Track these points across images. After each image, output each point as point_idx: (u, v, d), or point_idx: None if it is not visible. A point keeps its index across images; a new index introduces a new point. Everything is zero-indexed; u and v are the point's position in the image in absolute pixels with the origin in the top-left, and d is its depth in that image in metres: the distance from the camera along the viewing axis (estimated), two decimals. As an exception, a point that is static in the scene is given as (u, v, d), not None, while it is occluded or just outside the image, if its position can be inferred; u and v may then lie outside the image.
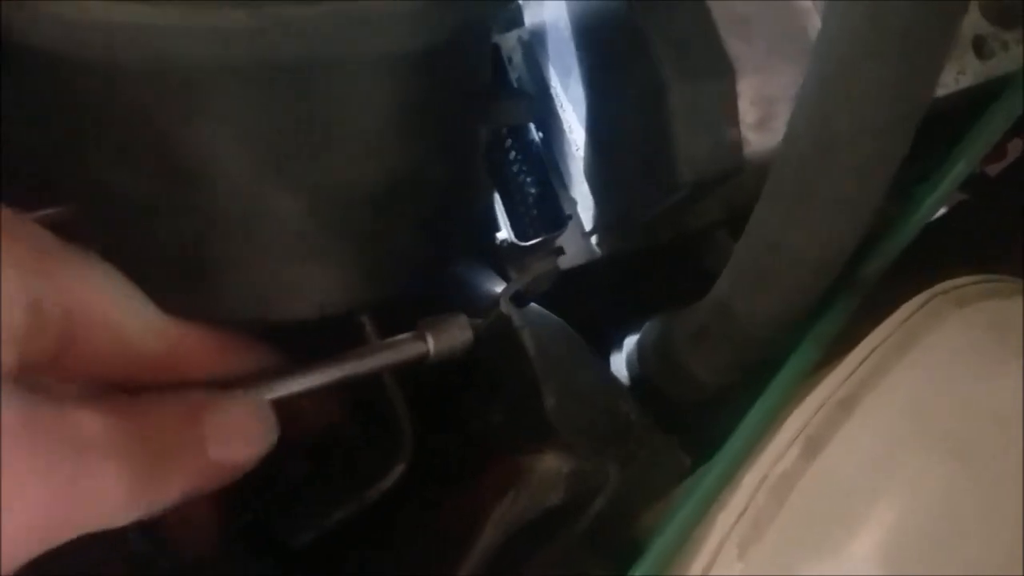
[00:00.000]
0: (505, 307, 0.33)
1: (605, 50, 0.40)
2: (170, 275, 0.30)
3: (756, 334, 0.33)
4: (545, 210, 0.49)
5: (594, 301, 0.51)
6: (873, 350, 0.28)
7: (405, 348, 0.33)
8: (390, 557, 0.40)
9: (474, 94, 0.34)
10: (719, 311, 0.34)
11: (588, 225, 0.49)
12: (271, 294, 0.30)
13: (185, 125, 0.26)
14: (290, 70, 0.25)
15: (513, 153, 0.49)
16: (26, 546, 0.23)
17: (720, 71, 0.35)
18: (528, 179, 0.49)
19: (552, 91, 0.48)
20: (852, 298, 0.31)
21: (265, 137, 0.26)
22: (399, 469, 0.35)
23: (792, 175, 0.27)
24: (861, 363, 0.28)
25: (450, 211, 0.35)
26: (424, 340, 0.33)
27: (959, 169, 0.30)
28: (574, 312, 0.49)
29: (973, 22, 0.36)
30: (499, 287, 0.42)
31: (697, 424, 0.40)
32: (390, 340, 0.33)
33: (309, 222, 0.28)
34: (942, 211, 0.38)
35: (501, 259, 0.50)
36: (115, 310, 0.28)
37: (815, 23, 0.36)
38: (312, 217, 0.28)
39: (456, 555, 0.36)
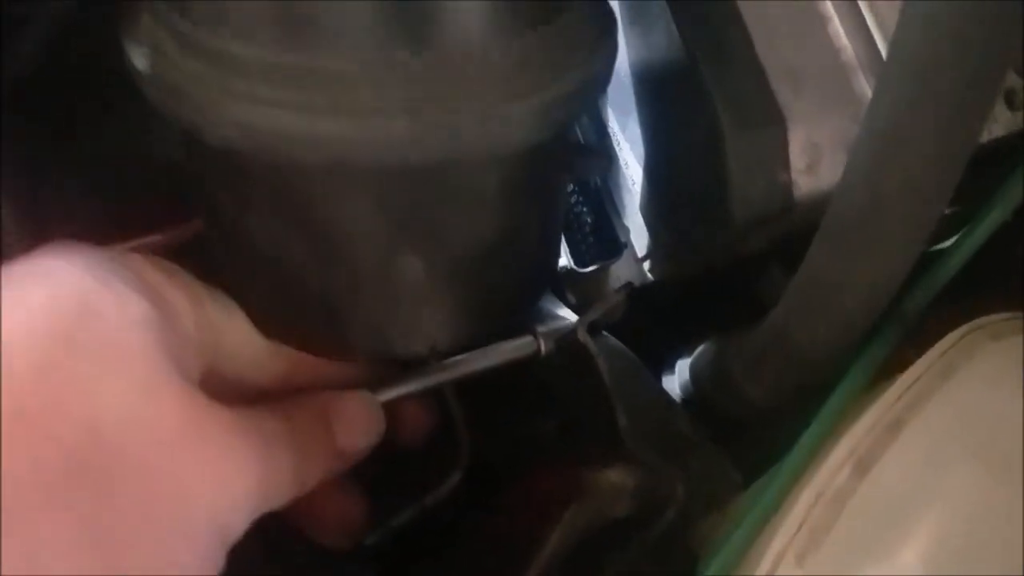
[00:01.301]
0: (583, 335, 0.37)
1: (665, 97, 0.44)
2: (311, 319, 0.34)
3: (812, 359, 0.36)
4: (601, 238, 0.52)
5: (647, 324, 0.54)
6: (917, 379, 0.31)
7: (521, 348, 0.37)
8: (452, 565, 0.43)
9: (564, 156, 0.38)
10: (777, 338, 0.37)
11: (641, 252, 0.53)
12: (392, 334, 0.35)
13: (339, 205, 0.30)
14: (435, 164, 0.29)
15: (572, 185, 0.53)
16: (244, 515, 0.28)
17: (773, 121, 0.38)
18: (585, 209, 0.53)
19: (609, 129, 0.51)
20: (898, 329, 0.35)
21: (404, 211, 0.31)
22: (456, 476, 0.38)
23: (846, 223, 0.31)
24: (906, 390, 0.31)
25: (542, 254, 0.39)
26: (537, 341, 0.38)
27: (994, 216, 0.34)
28: (628, 333, 0.52)
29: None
30: (558, 308, 0.45)
31: (747, 441, 0.44)
32: (507, 343, 0.38)
33: (428, 274, 0.33)
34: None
35: (561, 284, 0.54)
36: (249, 337, 0.33)
37: (859, 77, 0.40)
38: (431, 270, 0.32)
39: (522, 564, 0.39)
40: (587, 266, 0.52)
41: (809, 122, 0.39)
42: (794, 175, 0.39)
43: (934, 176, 0.28)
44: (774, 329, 0.37)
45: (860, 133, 0.30)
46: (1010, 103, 0.40)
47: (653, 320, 0.55)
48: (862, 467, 0.31)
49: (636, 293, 0.53)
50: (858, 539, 0.30)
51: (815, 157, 0.39)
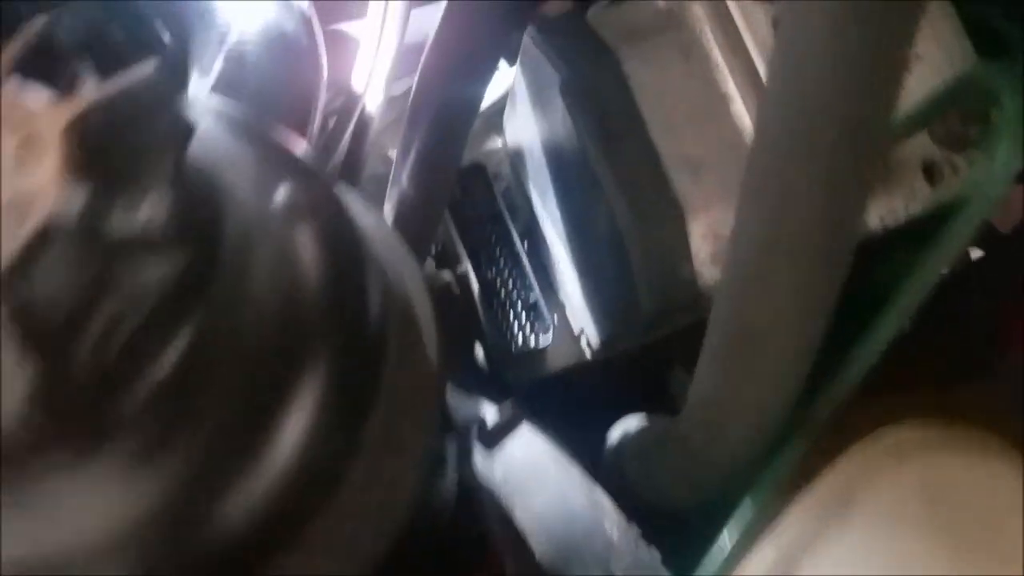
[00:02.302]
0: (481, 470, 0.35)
1: (570, 183, 0.42)
2: None
3: (713, 469, 0.34)
4: (532, 318, 0.50)
5: (584, 402, 0.52)
6: (812, 511, 0.29)
7: None
8: None
9: None
10: (677, 440, 0.35)
11: (576, 330, 0.51)
12: None
13: None
14: None
15: (502, 261, 0.51)
16: None
17: (670, 212, 0.36)
18: (515, 289, 0.51)
19: (534, 205, 0.50)
20: (804, 438, 0.32)
21: None
22: None
23: (722, 350, 0.28)
24: (801, 529, 0.29)
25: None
26: None
27: (893, 319, 0.31)
28: (565, 412, 0.50)
29: (923, 146, 0.37)
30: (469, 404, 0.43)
31: (679, 530, 0.42)
32: None
33: None
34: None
35: (493, 365, 0.52)
36: None
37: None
38: None
39: None
40: (519, 346, 0.50)
41: (710, 210, 0.37)
42: (697, 265, 0.37)
43: (805, 302, 0.26)
44: (673, 434, 0.35)
45: (724, 268, 0.28)
46: (930, 177, 0.37)
47: (594, 400, 0.53)
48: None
49: (573, 370, 0.51)
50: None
51: (718, 246, 0.37)
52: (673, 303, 0.38)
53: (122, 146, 0.23)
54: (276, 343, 0.26)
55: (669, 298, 0.37)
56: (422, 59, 0.41)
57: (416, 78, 0.42)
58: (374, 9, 0.55)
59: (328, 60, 0.52)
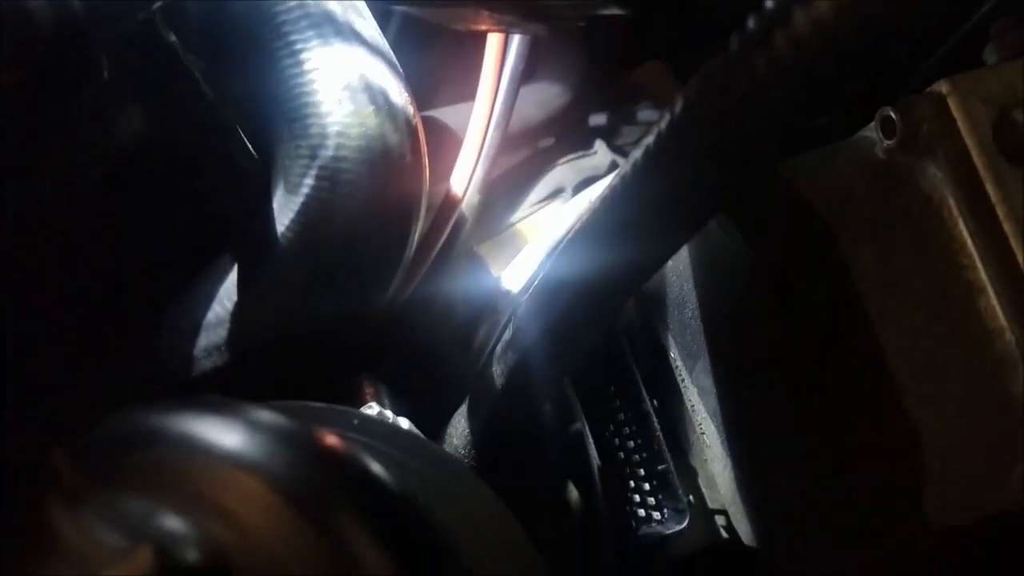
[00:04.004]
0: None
1: (743, 371, 0.34)
2: None
3: None
4: (664, 497, 0.42)
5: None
6: None
7: None
8: None
9: None
10: None
11: (713, 504, 0.42)
12: None
13: None
14: None
15: (626, 429, 0.42)
16: None
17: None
18: (643, 459, 0.42)
19: (672, 360, 0.41)
20: None
21: None
22: None
23: None
24: None
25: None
26: None
27: None
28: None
29: None
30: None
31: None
32: None
33: None
34: None
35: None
36: None
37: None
38: None
39: None
40: (643, 528, 0.42)
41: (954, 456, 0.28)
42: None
43: None
44: None
45: None
46: None
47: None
48: None
49: (708, 551, 0.43)
50: None
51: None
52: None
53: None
54: None
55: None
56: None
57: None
58: (480, 104, 0.48)
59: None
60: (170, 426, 0.19)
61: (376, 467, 0.19)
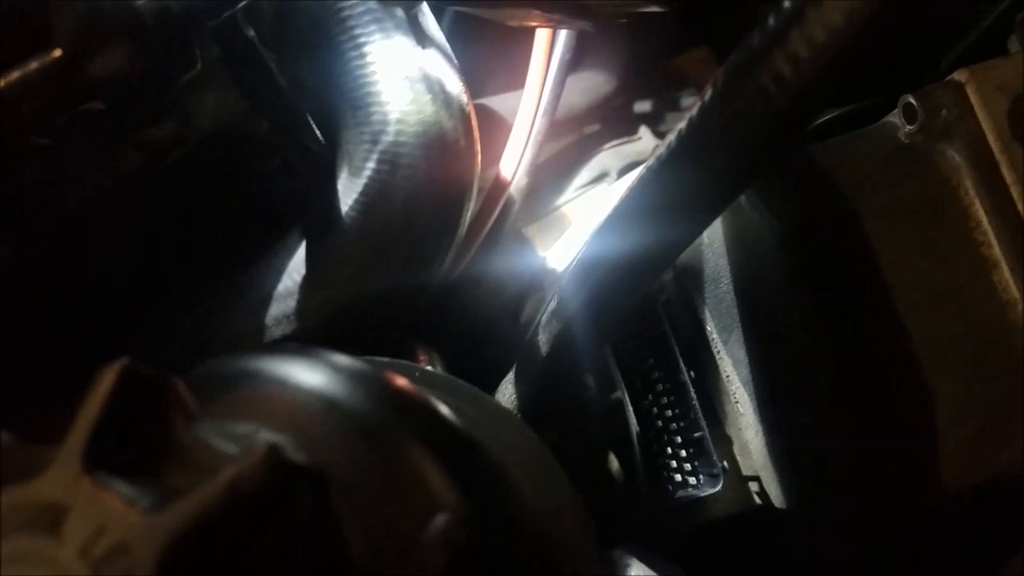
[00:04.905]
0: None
1: (775, 343, 0.36)
2: None
3: None
4: (699, 463, 0.44)
5: (750, 554, 0.46)
6: None
7: None
8: None
9: None
10: None
11: (747, 471, 0.45)
12: None
13: None
14: None
15: (664, 399, 0.45)
16: None
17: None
18: (680, 427, 0.45)
19: (708, 333, 0.44)
20: None
21: None
22: None
23: None
24: None
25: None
26: None
27: None
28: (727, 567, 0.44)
29: None
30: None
31: None
32: None
33: None
34: None
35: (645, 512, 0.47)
36: None
37: None
38: None
39: None
40: (679, 492, 0.44)
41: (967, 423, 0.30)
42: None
43: None
44: None
45: None
46: None
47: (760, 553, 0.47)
48: None
49: (739, 518, 0.46)
50: None
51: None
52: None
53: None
54: None
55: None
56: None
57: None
58: (528, 92, 0.51)
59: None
60: (264, 366, 0.22)
61: (440, 405, 0.22)
